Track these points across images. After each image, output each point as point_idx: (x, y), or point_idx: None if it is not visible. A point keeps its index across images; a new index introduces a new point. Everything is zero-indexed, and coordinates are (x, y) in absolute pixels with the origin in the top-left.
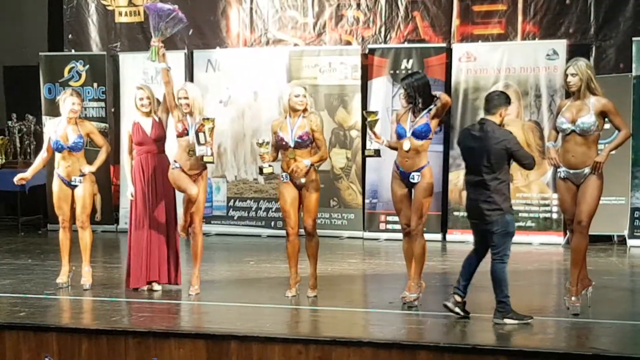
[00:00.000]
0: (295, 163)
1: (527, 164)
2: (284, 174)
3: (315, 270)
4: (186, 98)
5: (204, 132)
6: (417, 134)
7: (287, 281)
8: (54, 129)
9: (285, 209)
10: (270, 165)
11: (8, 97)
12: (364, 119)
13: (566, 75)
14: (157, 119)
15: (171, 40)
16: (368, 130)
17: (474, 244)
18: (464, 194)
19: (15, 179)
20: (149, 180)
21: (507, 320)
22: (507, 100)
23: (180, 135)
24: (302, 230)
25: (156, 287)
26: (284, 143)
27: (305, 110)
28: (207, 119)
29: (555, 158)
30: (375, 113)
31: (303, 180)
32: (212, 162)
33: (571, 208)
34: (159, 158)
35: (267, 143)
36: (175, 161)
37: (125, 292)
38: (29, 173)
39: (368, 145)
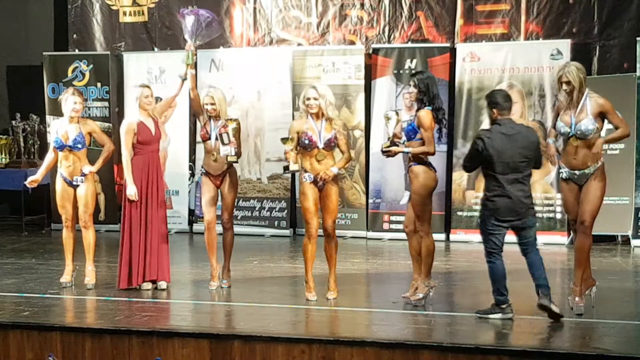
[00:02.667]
0: (324, 172)
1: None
2: (307, 174)
3: (335, 272)
4: (212, 104)
5: (228, 133)
6: (406, 135)
7: (292, 281)
8: (56, 129)
9: (310, 210)
10: (295, 163)
11: (12, 96)
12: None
13: (561, 84)
14: (156, 119)
15: (175, 39)
16: (387, 130)
17: (499, 248)
18: (468, 193)
19: (27, 182)
20: (149, 179)
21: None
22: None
23: (204, 139)
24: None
25: (162, 285)
26: (313, 144)
27: (322, 114)
28: (231, 119)
29: (554, 155)
30: (388, 115)
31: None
32: (237, 162)
33: (574, 208)
34: (157, 157)
35: (292, 140)
36: (202, 166)
37: (129, 291)
38: (39, 175)
39: (385, 142)
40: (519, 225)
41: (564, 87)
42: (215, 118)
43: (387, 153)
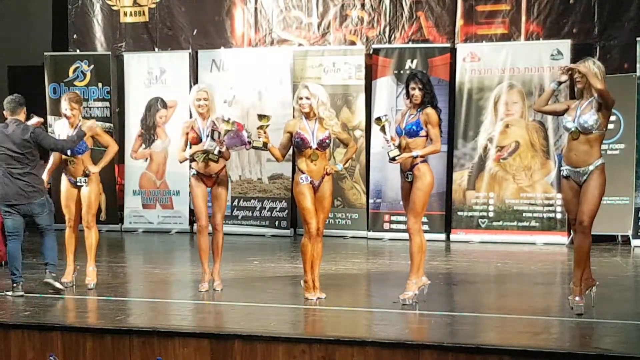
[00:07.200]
0: (330, 167)
1: (57, 148)
2: (303, 175)
3: (319, 272)
4: (206, 100)
5: (219, 132)
6: (408, 132)
7: (292, 281)
8: (58, 132)
9: (310, 209)
10: (263, 141)
11: None
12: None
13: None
14: None
15: (176, 40)
16: (383, 136)
17: (16, 231)
18: (468, 193)
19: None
20: None
21: None
22: (23, 102)
23: (195, 142)
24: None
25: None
26: (306, 144)
27: (314, 114)
28: (228, 121)
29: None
30: (379, 119)
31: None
32: (216, 161)
33: (574, 207)
34: None
35: (269, 119)
36: (191, 167)
37: (130, 291)
38: (46, 175)
39: (388, 149)
40: (27, 211)
41: (576, 77)
42: (203, 117)
43: (395, 161)
